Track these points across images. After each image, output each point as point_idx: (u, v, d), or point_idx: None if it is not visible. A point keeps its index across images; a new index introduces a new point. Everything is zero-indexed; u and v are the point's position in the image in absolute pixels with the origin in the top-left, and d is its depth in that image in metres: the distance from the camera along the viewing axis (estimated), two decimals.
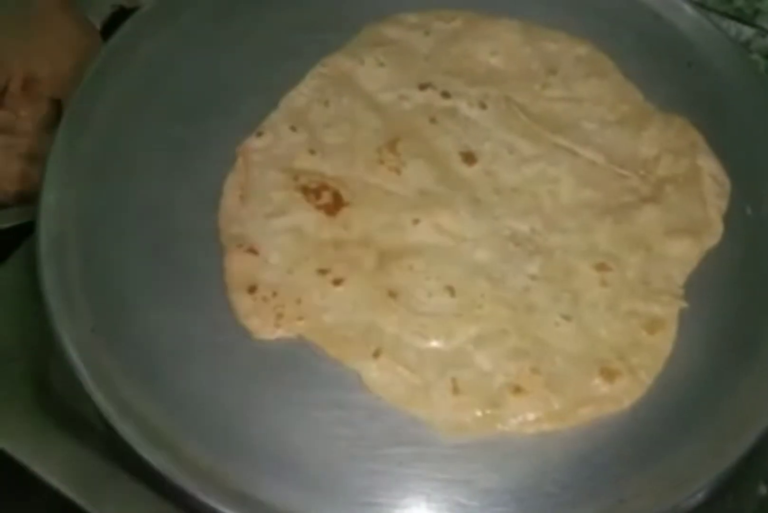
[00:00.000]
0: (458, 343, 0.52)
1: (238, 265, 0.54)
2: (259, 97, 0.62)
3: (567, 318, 0.53)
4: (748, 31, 0.78)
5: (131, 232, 0.55)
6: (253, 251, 0.55)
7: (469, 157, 0.61)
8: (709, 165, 0.60)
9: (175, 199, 0.57)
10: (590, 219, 0.58)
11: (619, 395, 0.50)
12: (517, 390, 0.49)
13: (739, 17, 0.76)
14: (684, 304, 0.54)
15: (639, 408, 0.49)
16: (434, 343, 0.52)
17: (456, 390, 0.50)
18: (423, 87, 0.65)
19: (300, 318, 0.52)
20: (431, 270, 0.55)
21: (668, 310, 0.53)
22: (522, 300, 0.54)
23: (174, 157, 0.59)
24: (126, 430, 0.46)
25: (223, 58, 0.64)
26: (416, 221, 0.58)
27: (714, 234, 0.57)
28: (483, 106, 0.64)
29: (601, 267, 0.56)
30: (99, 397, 0.47)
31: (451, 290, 0.55)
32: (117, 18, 0.68)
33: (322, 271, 0.55)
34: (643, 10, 0.68)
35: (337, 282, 0.54)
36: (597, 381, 0.50)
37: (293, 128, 0.62)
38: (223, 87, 0.62)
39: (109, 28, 0.68)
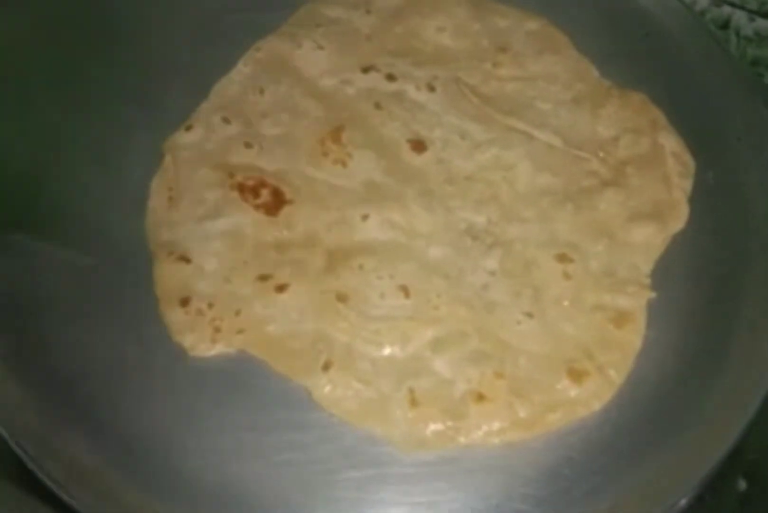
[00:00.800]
0: (415, 349, 0.48)
1: (169, 276, 0.49)
2: (186, 86, 0.57)
3: (529, 315, 0.49)
4: (702, 1, 0.75)
5: (45, 239, 0.50)
6: (185, 259, 0.50)
7: (418, 145, 0.57)
8: (670, 143, 0.57)
9: (96, 202, 0.52)
10: (549, 207, 0.55)
11: (588, 398, 0.46)
12: (480, 398, 0.46)
13: None
14: (652, 294, 0.50)
15: (610, 411, 0.46)
16: (389, 351, 0.48)
17: (414, 401, 0.46)
18: (366, 70, 0.60)
19: (240, 331, 0.48)
20: (383, 269, 0.51)
21: (635, 301, 0.50)
22: (481, 298, 0.50)
23: (93, 155, 0.54)
24: (44, 468, 0.41)
25: (146, 43, 0.58)
26: (365, 217, 0.53)
27: (679, 217, 0.54)
28: (431, 89, 0.59)
29: (562, 258, 0.52)
30: (10, 433, 0.42)
31: (405, 290, 0.50)
32: None
33: (264, 277, 0.50)
34: None
35: (280, 288, 0.50)
36: (565, 383, 0.47)
37: (226, 120, 0.57)
38: (146, 75, 0.57)
39: None
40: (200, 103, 0.57)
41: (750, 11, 0.71)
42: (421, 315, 0.49)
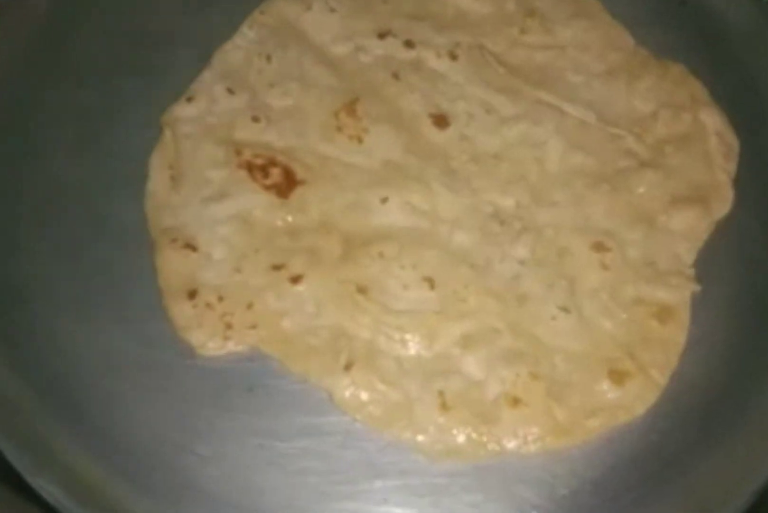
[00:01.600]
0: (443, 347, 0.44)
1: (173, 265, 0.45)
2: (186, 52, 0.52)
3: (565, 310, 0.46)
4: None
5: (40, 227, 0.45)
6: (190, 247, 0.46)
7: (440, 120, 0.52)
8: (713, 120, 0.52)
9: (91, 183, 0.47)
10: (583, 189, 0.50)
11: (631, 401, 0.43)
12: (515, 401, 0.42)
13: None
14: (696, 287, 0.47)
15: (655, 415, 0.43)
16: (415, 348, 0.44)
17: (444, 405, 0.42)
18: (382, 35, 0.55)
19: (253, 326, 0.44)
20: (405, 257, 0.47)
21: (679, 295, 0.47)
22: (512, 290, 0.47)
23: (86, 130, 0.49)
24: (44, 481, 0.37)
25: (140, 8, 0.53)
26: (384, 200, 0.49)
27: (724, 201, 0.50)
28: (453, 57, 0.54)
29: (598, 247, 0.48)
30: (6, 442, 0.38)
31: (430, 281, 0.47)
32: None
33: (277, 267, 0.46)
34: None
35: (295, 279, 0.46)
36: (605, 385, 0.43)
37: (230, 90, 0.52)
38: (142, 41, 0.52)
39: None
40: (202, 71, 0.52)
41: None
42: (447, 308, 0.46)
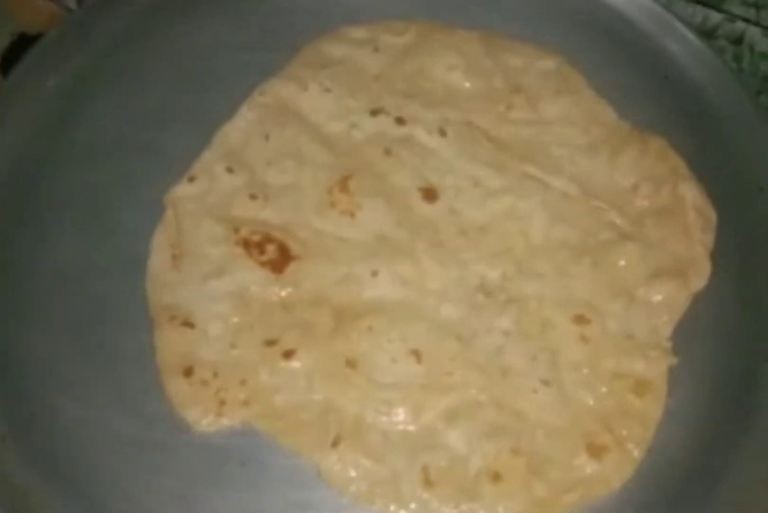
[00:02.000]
0: (428, 420, 0.46)
1: (171, 343, 0.47)
2: (188, 134, 0.55)
3: (546, 383, 0.48)
4: (715, 17, 0.72)
5: (42, 307, 0.48)
6: (188, 324, 0.48)
7: (429, 193, 0.55)
8: (692, 194, 0.54)
9: (94, 262, 0.50)
10: (566, 261, 0.52)
11: (608, 475, 0.45)
12: (496, 477, 0.44)
13: (706, 2, 0.70)
14: (673, 360, 0.48)
15: (631, 490, 0.44)
16: (401, 422, 0.46)
17: (428, 481, 0.44)
18: (375, 112, 0.58)
19: (246, 403, 0.46)
20: (394, 330, 0.49)
21: (656, 367, 0.48)
22: (496, 363, 0.49)
23: (90, 209, 0.52)
24: None
25: (144, 89, 0.56)
26: (375, 273, 0.51)
27: (701, 274, 0.52)
28: (442, 133, 0.57)
29: (580, 319, 0.50)
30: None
31: (417, 355, 0.49)
32: (17, 47, 0.59)
33: (270, 342, 0.48)
34: (613, 15, 0.62)
35: (287, 354, 0.48)
36: (583, 458, 0.45)
37: (230, 169, 0.54)
38: (145, 123, 0.55)
39: (9, 59, 0.58)
40: (203, 152, 0.54)
41: (764, 27, 0.69)
42: (433, 382, 0.47)
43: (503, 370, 0.48)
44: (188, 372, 0.46)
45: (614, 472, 0.45)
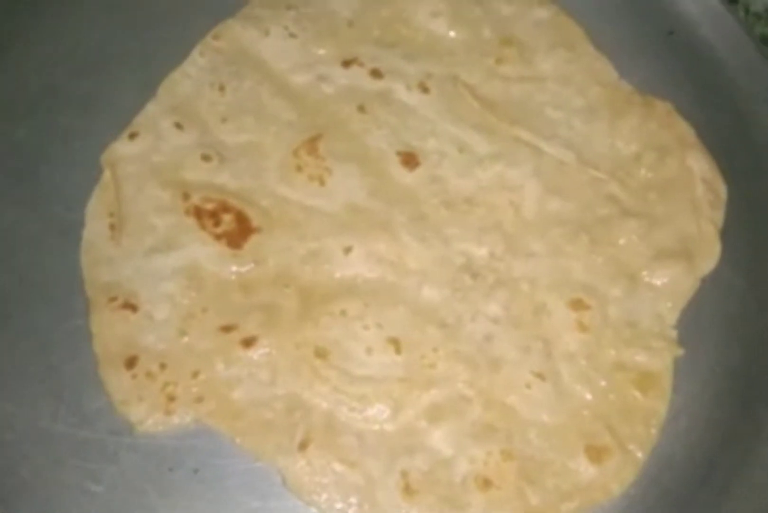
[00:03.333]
0: (408, 419, 0.41)
1: (111, 328, 0.41)
2: (129, 82, 0.47)
3: (540, 376, 0.42)
4: None
5: None
6: (130, 306, 0.41)
7: (409, 159, 0.49)
8: (700, 166, 0.49)
9: (21, 232, 0.43)
10: (561, 239, 0.47)
11: (608, 480, 0.40)
12: (486, 484, 0.39)
13: None
14: (679, 352, 0.44)
15: (633, 496, 0.40)
16: (378, 421, 0.41)
17: (408, 489, 0.39)
18: (347, 63, 0.51)
19: (199, 399, 0.40)
20: (369, 315, 0.44)
21: (661, 360, 0.44)
22: (484, 353, 0.43)
23: (15, 170, 0.44)
24: None
25: (77, 29, 0.48)
26: (347, 249, 0.45)
27: (710, 256, 0.47)
28: (424, 89, 0.50)
29: (577, 304, 0.45)
30: None
31: (395, 344, 0.43)
32: None
33: (227, 328, 0.42)
34: None
35: (247, 342, 0.42)
36: (582, 462, 0.40)
37: (178, 125, 0.47)
38: (79, 69, 0.47)
39: None
40: (147, 103, 0.47)
41: None
42: (414, 375, 0.42)
43: (492, 361, 0.43)
44: (131, 363, 0.40)
45: (615, 476, 0.40)
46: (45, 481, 0.37)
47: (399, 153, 0.48)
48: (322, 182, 0.47)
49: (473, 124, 0.50)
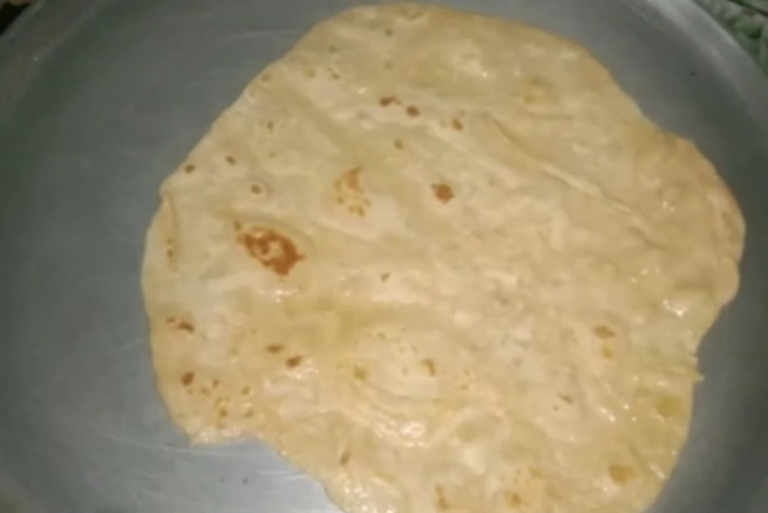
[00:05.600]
0: (442, 437, 0.44)
1: (169, 347, 0.44)
2: (186, 119, 0.51)
3: (567, 399, 0.45)
4: (734, 9, 0.69)
5: (30, 305, 0.44)
6: (186, 326, 0.45)
7: (443, 191, 0.52)
8: (720, 202, 0.52)
9: (85, 256, 0.46)
10: (587, 269, 0.50)
11: (631, 499, 0.42)
12: (515, 500, 0.42)
13: None
14: (699, 378, 0.46)
15: None
16: (414, 439, 0.43)
17: (442, 502, 0.41)
18: (386, 101, 0.54)
19: (248, 414, 0.43)
20: (405, 338, 0.46)
21: (681, 385, 0.46)
22: (513, 376, 0.46)
23: (80, 199, 0.48)
24: None
25: (139, 69, 0.52)
26: (385, 276, 0.48)
27: (729, 287, 0.49)
28: (457, 126, 0.54)
29: (602, 331, 0.47)
30: None
31: (430, 365, 0.46)
32: (0, 19, 0.54)
33: (274, 348, 0.45)
34: (639, 6, 0.58)
35: (292, 362, 0.45)
36: (606, 481, 0.43)
37: (230, 159, 0.51)
38: (140, 106, 0.51)
39: None
40: (202, 139, 0.50)
41: None
42: (448, 396, 0.45)
43: (521, 384, 0.46)
44: (187, 379, 0.43)
45: (638, 495, 0.42)
46: (108, 487, 0.40)
47: (433, 186, 0.52)
48: (361, 213, 0.50)
49: (503, 159, 0.53)
